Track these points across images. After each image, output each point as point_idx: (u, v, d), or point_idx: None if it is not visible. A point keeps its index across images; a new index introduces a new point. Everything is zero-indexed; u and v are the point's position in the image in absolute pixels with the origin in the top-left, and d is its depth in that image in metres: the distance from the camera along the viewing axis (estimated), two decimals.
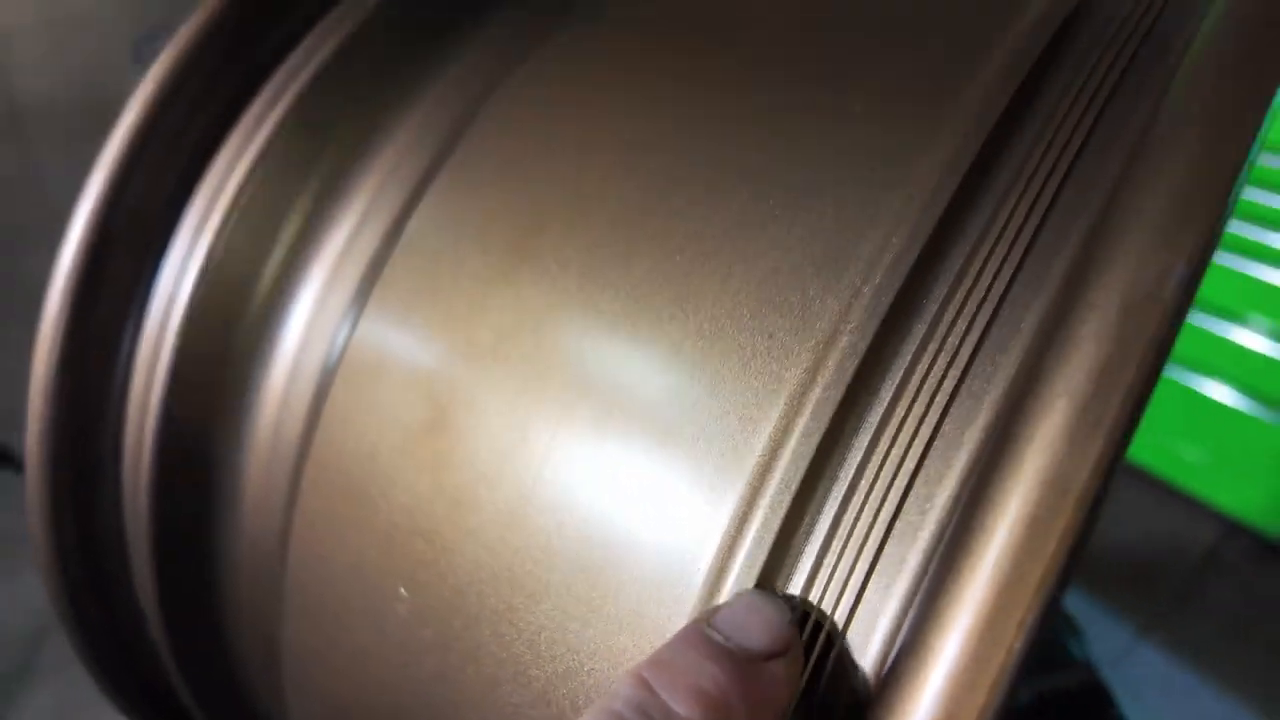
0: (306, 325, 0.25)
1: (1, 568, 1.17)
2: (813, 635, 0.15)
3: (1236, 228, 1.03)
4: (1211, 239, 0.12)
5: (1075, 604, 1.06)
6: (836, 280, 0.17)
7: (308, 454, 0.24)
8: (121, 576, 0.29)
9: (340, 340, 0.24)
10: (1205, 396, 1.11)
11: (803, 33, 0.22)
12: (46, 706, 1.04)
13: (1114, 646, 1.06)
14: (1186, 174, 0.13)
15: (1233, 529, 1.17)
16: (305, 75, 0.26)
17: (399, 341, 0.22)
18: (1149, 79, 0.17)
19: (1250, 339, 1.06)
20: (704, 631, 0.15)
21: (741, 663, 0.14)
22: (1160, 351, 0.12)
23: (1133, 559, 1.17)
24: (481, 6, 0.28)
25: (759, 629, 0.15)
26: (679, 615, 0.16)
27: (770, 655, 0.14)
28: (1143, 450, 1.18)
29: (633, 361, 0.18)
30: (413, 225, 0.24)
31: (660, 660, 0.14)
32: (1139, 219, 0.12)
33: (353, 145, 0.26)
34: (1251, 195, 1.02)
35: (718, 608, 0.15)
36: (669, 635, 0.16)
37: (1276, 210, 1.01)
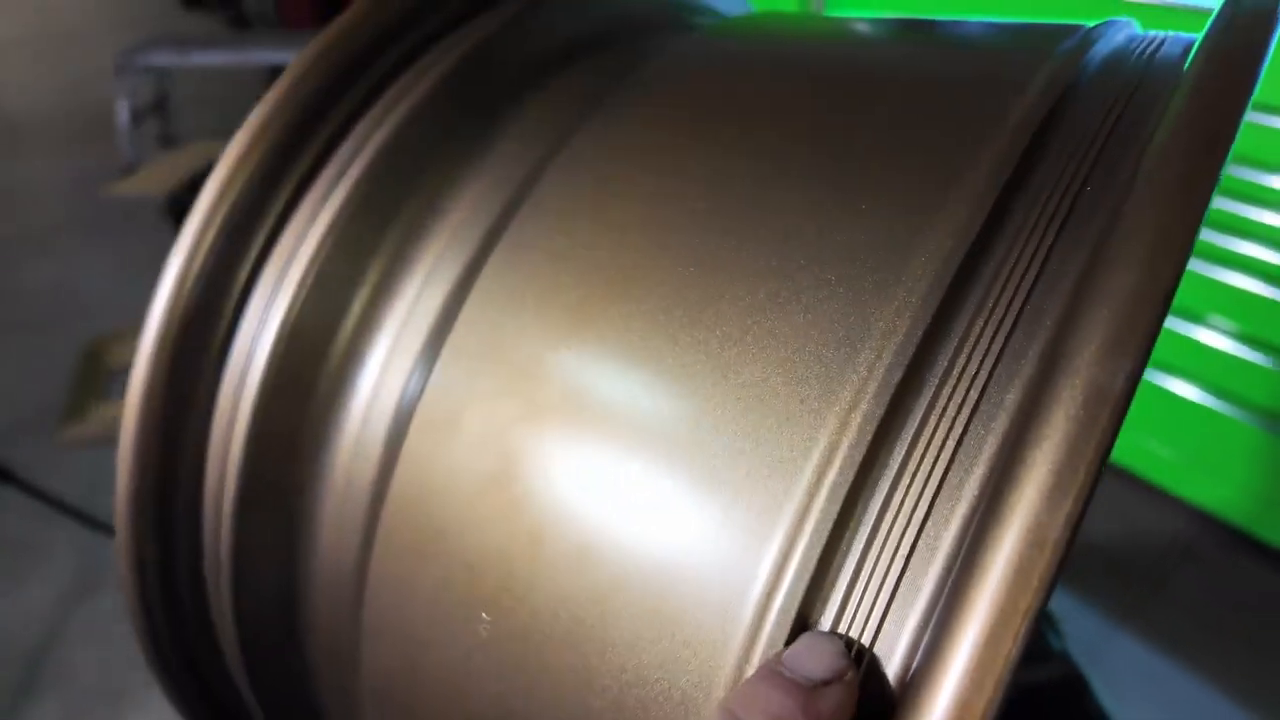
0: (378, 381, 0.28)
1: (6, 579, 1.17)
2: (856, 660, 0.18)
3: (1201, 234, 1.07)
4: (1152, 341, 0.16)
5: (1056, 595, 1.10)
6: (854, 357, 0.21)
7: (385, 495, 0.27)
8: (203, 614, 0.32)
9: (411, 394, 0.27)
10: (1175, 395, 1.15)
11: (815, 133, 0.25)
12: (52, 717, 1.04)
13: (1093, 635, 1.10)
14: (1135, 285, 0.16)
15: (1206, 522, 1.21)
16: (371, 147, 0.28)
17: (467, 400, 0.25)
18: (1105, 193, 0.21)
19: (1215, 339, 1.10)
20: (774, 669, 0.19)
21: (805, 689, 0.18)
22: (1114, 432, 0.15)
23: (1110, 551, 1.21)
24: (539, 76, 0.31)
25: (817, 661, 0.18)
26: (733, 639, 0.20)
27: (828, 681, 0.18)
28: (1117, 448, 1.22)
29: (682, 423, 0.22)
30: (479, 287, 0.27)
31: (742, 694, 0.19)
32: (1095, 326, 0.16)
33: (419, 215, 0.29)
34: (1215, 203, 1.06)
35: (785, 649, 0.19)
36: (723, 653, 0.20)
37: (1236, 216, 1.05)
